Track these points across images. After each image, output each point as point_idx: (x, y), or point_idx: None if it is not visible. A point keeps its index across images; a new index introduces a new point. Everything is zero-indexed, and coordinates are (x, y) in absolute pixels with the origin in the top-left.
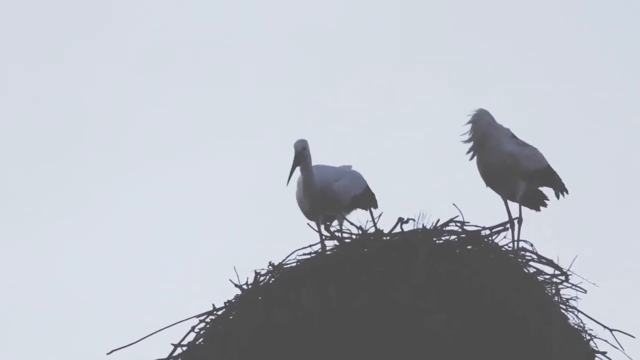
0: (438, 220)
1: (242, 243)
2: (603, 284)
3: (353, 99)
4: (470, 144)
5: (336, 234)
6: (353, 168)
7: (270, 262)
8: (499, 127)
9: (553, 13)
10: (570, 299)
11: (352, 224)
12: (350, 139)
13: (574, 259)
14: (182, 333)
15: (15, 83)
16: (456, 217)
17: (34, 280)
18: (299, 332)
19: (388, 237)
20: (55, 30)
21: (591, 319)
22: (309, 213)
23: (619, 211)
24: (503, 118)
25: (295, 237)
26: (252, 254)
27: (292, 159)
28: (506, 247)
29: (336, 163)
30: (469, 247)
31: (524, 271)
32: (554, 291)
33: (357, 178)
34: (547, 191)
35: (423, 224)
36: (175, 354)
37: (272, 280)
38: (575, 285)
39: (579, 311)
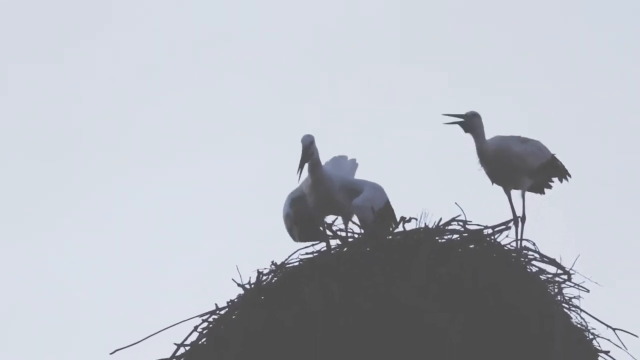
0: (440, 219)
1: (244, 242)
2: (606, 283)
3: (354, 97)
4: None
5: (339, 233)
6: (358, 163)
7: (272, 262)
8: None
9: (555, 12)
10: (573, 298)
11: (355, 223)
12: (352, 137)
13: (577, 258)
14: (184, 333)
15: (14, 83)
16: (458, 216)
17: (36, 280)
18: (301, 331)
19: (390, 236)
20: (55, 30)
21: (594, 318)
22: (314, 211)
23: (622, 210)
24: (505, 117)
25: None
26: (255, 253)
27: (299, 155)
28: (508, 246)
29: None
30: (471, 246)
31: (527, 270)
32: (556, 290)
33: (379, 191)
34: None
35: (425, 223)
36: (178, 353)
37: (275, 280)
38: (578, 285)
39: (581, 310)
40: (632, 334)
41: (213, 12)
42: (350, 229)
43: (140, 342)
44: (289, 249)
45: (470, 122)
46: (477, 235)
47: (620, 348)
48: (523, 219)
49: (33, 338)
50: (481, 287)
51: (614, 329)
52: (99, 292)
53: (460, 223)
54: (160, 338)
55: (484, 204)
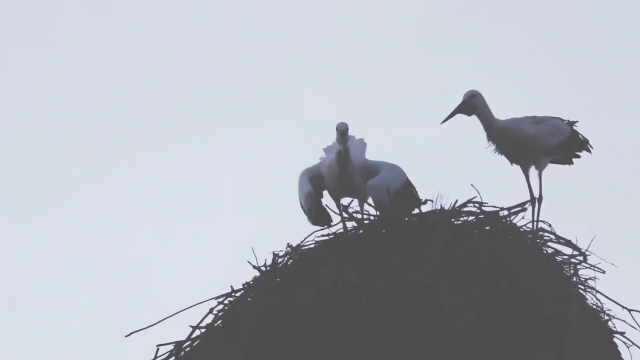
0: (456, 201)
1: (260, 224)
2: (622, 264)
3: (367, 81)
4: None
5: (355, 215)
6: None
7: (288, 244)
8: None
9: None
10: (589, 279)
11: (370, 205)
12: (366, 119)
13: (593, 239)
14: (200, 315)
15: (12, 80)
16: (474, 197)
17: (55, 263)
18: (317, 313)
19: (407, 218)
20: (54, 27)
21: (610, 299)
22: (332, 193)
23: (638, 191)
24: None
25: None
26: (270, 235)
27: (336, 139)
28: (524, 227)
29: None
30: (487, 227)
31: (542, 252)
32: (572, 271)
33: (396, 172)
34: None
35: (441, 205)
36: (194, 335)
37: (291, 262)
38: (594, 266)
39: (597, 291)
40: None
41: (216, 4)
42: (366, 210)
43: (156, 325)
44: (304, 231)
45: (470, 103)
46: (493, 217)
47: (636, 329)
48: (540, 199)
49: (52, 320)
50: (497, 269)
51: (629, 310)
52: (116, 274)
53: (476, 205)
54: (175, 320)
55: (500, 186)
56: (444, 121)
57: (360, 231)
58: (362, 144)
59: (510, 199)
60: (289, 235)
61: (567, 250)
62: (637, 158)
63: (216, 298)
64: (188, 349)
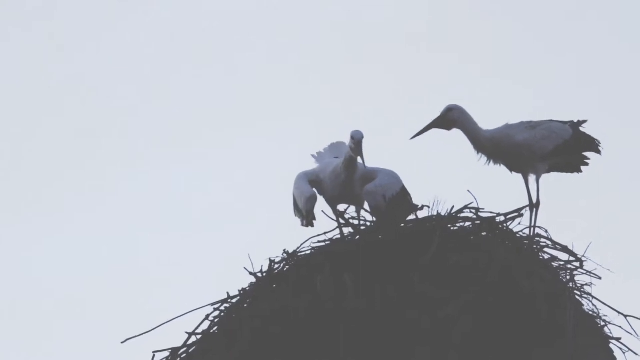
0: (453, 207)
1: (256, 231)
2: (618, 270)
3: (363, 86)
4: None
5: (351, 221)
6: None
7: (284, 250)
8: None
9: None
10: (585, 285)
11: (367, 211)
12: (362, 125)
13: (589, 246)
14: (196, 321)
15: (9, 82)
16: (471, 203)
17: (47, 269)
18: (313, 319)
19: (403, 224)
20: (54, 28)
21: (606, 305)
22: (329, 198)
23: (634, 198)
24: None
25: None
26: (267, 241)
27: (352, 148)
28: (521, 233)
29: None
30: (483, 233)
31: (539, 257)
32: (568, 277)
33: (393, 178)
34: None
35: (438, 211)
36: (190, 342)
37: (287, 268)
38: (590, 272)
39: (593, 297)
40: None
41: (217, 5)
42: (363, 217)
43: (152, 331)
44: (301, 238)
45: (446, 117)
46: (490, 223)
47: (632, 335)
48: (537, 205)
49: (45, 327)
50: (493, 275)
51: (625, 316)
52: (111, 281)
53: (473, 211)
54: (171, 327)
55: (496, 192)
56: (415, 136)
57: (357, 237)
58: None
59: (507, 205)
60: (285, 242)
61: (564, 256)
62: (634, 164)
63: (212, 304)
64: (184, 355)
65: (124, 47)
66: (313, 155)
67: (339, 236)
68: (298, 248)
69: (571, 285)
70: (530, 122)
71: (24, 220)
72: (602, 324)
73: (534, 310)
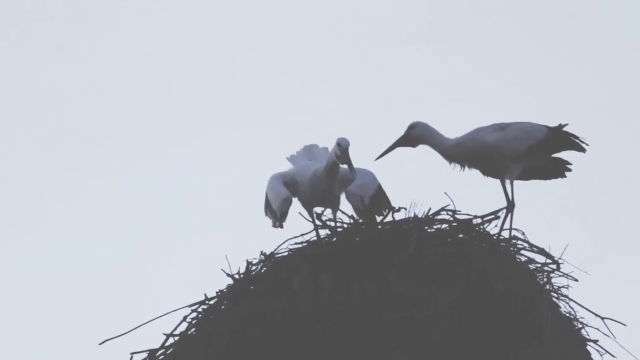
0: (429, 209)
1: (233, 232)
2: (595, 272)
3: (345, 88)
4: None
5: (328, 223)
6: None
7: (262, 252)
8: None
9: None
10: (562, 287)
11: (344, 213)
12: (338, 126)
13: (566, 248)
14: (174, 323)
15: (11, 82)
16: (447, 205)
17: (23, 273)
18: (291, 320)
19: (379, 226)
20: (53, 29)
21: (583, 307)
22: (305, 202)
23: (610, 200)
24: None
25: (286, 226)
26: (244, 243)
27: (338, 155)
28: (498, 235)
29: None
30: (460, 235)
31: (516, 259)
32: (545, 279)
33: (369, 177)
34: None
35: (414, 213)
36: (167, 343)
37: (264, 270)
38: (567, 274)
39: (570, 299)
40: (620, 323)
41: (213, 8)
42: (340, 219)
43: (129, 333)
44: (278, 239)
45: (412, 134)
46: (467, 225)
47: (609, 337)
48: (512, 206)
49: (21, 330)
50: (470, 277)
51: (602, 318)
52: (88, 282)
53: (450, 213)
54: (149, 328)
55: (473, 194)
56: (379, 157)
57: (334, 239)
58: (326, 153)
59: (484, 207)
60: (262, 243)
61: (541, 259)
62: (610, 167)
63: (190, 306)
64: (162, 356)
65: (124, 47)
66: (287, 158)
67: (315, 238)
68: (275, 250)
69: (548, 288)
70: (502, 123)
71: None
72: (579, 326)
73: (511, 312)
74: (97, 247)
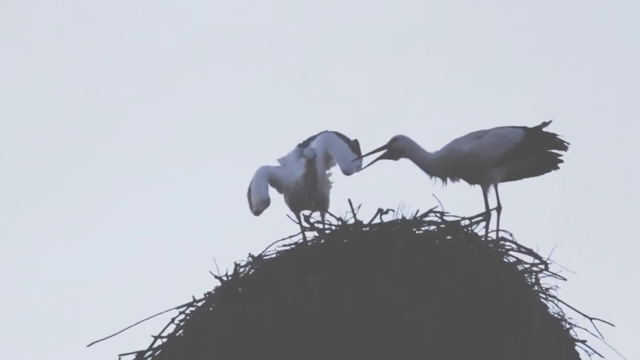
0: (417, 211)
1: (221, 234)
2: (583, 272)
3: (345, 89)
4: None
5: (316, 225)
6: None
7: (250, 254)
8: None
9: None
10: (550, 288)
11: (331, 215)
12: (341, 128)
13: (554, 248)
14: (162, 325)
15: (11, 82)
16: (435, 207)
17: (14, 275)
18: (278, 323)
19: (367, 228)
20: (53, 29)
21: (571, 307)
22: (292, 206)
23: (598, 200)
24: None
25: (275, 228)
26: (232, 245)
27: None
28: (486, 236)
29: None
30: (448, 237)
31: (504, 260)
32: (533, 280)
33: (333, 138)
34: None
35: (402, 215)
36: (155, 345)
37: (252, 272)
38: (555, 274)
39: (558, 300)
40: (608, 323)
41: (212, 16)
42: (327, 221)
43: (118, 335)
44: (266, 242)
45: (394, 147)
46: (455, 226)
47: (597, 337)
48: (499, 208)
49: (9, 333)
50: (458, 278)
51: (590, 319)
52: (77, 285)
53: (438, 214)
54: (137, 330)
55: (461, 196)
56: (365, 166)
57: (322, 241)
58: (328, 143)
59: (472, 208)
60: (250, 245)
61: (529, 259)
62: (597, 168)
63: (178, 308)
64: (150, 358)
65: (124, 47)
66: (278, 160)
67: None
68: (263, 252)
69: (536, 288)
70: (479, 131)
71: None
72: (568, 326)
73: (499, 312)
74: (85, 249)
